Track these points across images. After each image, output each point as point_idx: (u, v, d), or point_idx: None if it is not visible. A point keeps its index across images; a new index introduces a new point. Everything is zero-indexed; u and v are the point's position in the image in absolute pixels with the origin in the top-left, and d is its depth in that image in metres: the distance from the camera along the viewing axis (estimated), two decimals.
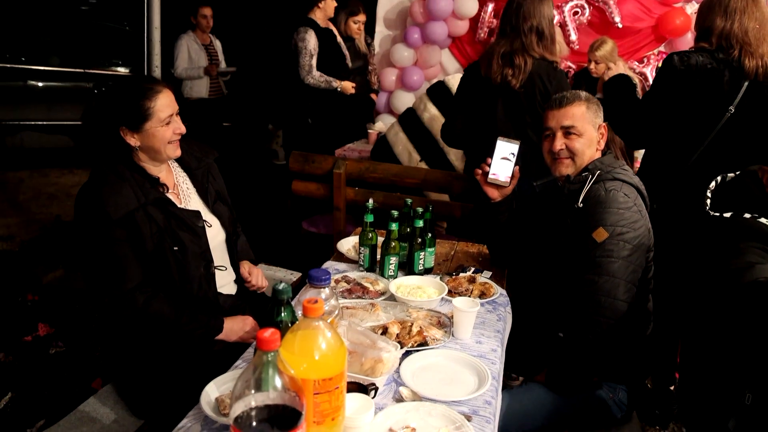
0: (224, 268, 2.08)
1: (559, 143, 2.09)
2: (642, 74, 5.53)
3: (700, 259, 1.74)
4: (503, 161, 2.22)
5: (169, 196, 1.94)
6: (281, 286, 1.21)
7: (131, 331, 1.87)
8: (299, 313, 1.15)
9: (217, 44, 6.03)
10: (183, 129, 1.92)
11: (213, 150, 2.17)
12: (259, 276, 2.19)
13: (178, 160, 2.04)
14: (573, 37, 5.52)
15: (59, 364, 2.96)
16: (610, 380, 2.00)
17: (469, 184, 2.98)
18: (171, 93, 1.91)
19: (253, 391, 0.97)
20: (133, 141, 1.86)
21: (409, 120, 3.93)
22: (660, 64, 2.54)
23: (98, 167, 1.85)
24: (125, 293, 1.79)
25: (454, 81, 3.79)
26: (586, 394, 1.99)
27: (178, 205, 1.95)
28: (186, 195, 2.02)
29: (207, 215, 2.03)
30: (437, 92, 3.88)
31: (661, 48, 5.53)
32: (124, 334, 1.91)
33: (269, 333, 0.95)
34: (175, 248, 1.86)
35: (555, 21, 5.50)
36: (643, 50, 5.53)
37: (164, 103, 1.86)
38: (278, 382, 0.97)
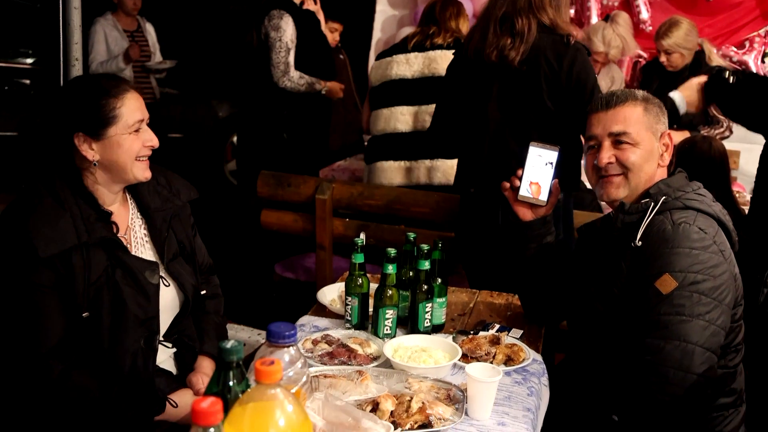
0: (170, 346, 2.10)
1: (607, 155, 2.10)
2: (742, 63, 5.47)
3: None
4: (538, 173, 2.29)
5: (120, 238, 1.96)
6: (229, 345, 1.23)
7: (42, 406, 1.87)
8: (252, 380, 1.17)
9: (149, 30, 5.90)
10: (155, 141, 1.98)
11: (192, 188, 2.21)
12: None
13: (136, 198, 2.08)
14: (644, 15, 5.48)
15: None
16: None
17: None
18: (140, 97, 1.98)
19: None
20: (90, 153, 1.90)
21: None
22: None
23: (31, 188, 1.88)
24: (40, 357, 1.80)
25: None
26: None
27: (131, 252, 1.97)
28: (139, 243, 2.06)
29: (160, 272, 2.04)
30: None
31: None
32: (32, 408, 1.90)
33: (208, 403, 0.97)
34: (114, 308, 1.88)
35: None
36: (743, 31, 5.47)
37: (133, 106, 1.93)
38: None
